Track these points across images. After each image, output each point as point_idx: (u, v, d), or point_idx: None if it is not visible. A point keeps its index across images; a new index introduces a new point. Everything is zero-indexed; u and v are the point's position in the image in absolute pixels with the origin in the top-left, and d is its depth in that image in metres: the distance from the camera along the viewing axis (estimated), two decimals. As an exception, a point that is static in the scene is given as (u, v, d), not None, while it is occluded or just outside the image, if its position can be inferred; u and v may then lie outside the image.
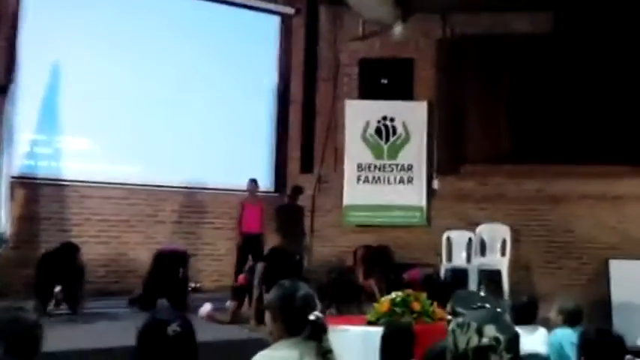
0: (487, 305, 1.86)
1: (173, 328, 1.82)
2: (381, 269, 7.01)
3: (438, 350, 1.63)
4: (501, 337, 1.48)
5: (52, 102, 7.22)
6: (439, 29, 8.49)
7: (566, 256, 7.94)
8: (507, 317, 1.69)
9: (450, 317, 1.87)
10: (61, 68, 7.23)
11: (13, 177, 6.61)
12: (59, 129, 7.25)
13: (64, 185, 7.19)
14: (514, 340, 1.52)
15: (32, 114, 7.07)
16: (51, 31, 7.13)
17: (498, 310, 1.81)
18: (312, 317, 2.01)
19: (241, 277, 6.06)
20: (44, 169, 7.17)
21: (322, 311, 2.00)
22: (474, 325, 1.50)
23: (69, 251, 5.85)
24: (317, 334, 2.00)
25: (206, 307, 5.74)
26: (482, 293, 2.40)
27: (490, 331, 1.49)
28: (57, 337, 4.66)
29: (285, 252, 6.02)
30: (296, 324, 2.02)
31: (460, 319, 1.55)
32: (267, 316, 2.10)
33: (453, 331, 1.53)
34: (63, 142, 7.27)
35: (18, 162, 6.79)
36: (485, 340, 1.48)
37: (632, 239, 7.68)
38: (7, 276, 6.27)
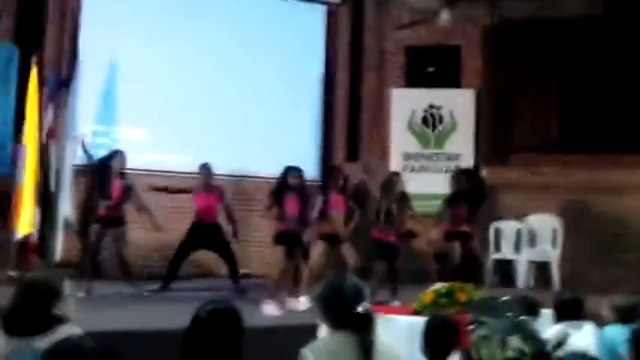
0: (509, 314, 1.79)
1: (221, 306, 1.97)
2: None
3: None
4: (526, 349, 1.41)
5: (110, 94, 7.58)
6: (486, 15, 8.33)
7: (620, 249, 7.69)
8: (531, 325, 1.62)
9: (471, 327, 1.82)
10: (117, 62, 7.56)
11: (74, 165, 7.02)
12: (116, 120, 7.65)
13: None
14: (540, 354, 1.45)
15: (92, 106, 7.45)
16: (108, 26, 7.46)
17: (522, 317, 1.73)
18: (359, 310, 1.99)
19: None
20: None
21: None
22: (497, 337, 1.43)
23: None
24: (364, 327, 1.98)
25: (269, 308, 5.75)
26: (504, 298, 2.30)
27: (514, 342, 1.42)
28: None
29: None
30: (342, 318, 2.00)
31: (483, 331, 1.48)
32: (318, 312, 2.11)
33: (477, 343, 1.47)
34: (120, 133, 7.64)
35: (79, 152, 7.09)
36: (510, 353, 1.40)
37: (689, 231, 7.41)
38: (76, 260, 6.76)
